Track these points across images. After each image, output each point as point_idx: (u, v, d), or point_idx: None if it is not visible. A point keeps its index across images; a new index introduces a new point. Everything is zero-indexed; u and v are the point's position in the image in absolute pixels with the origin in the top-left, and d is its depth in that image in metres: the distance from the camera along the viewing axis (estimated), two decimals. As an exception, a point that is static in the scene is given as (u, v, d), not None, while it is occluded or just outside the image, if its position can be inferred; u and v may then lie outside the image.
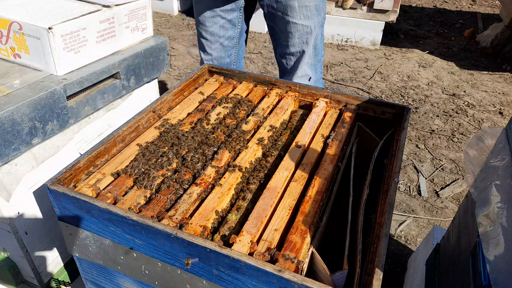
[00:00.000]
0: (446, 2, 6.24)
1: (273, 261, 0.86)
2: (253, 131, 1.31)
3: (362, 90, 3.67)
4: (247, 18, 2.08)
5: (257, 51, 4.36)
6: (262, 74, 1.57)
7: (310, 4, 1.81)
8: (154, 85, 1.69)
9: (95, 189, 1.02)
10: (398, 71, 4.03)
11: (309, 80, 2.01)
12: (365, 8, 4.29)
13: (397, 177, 1.05)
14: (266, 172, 1.16)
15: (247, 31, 2.16)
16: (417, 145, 2.93)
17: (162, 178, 1.08)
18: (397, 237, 2.18)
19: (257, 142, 1.24)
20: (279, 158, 1.21)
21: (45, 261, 1.35)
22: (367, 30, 4.45)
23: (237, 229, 0.97)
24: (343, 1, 2.27)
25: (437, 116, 3.29)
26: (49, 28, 1.18)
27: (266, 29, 4.76)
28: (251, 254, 0.87)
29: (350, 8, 4.34)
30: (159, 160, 1.14)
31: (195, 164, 1.14)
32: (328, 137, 1.28)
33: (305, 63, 1.96)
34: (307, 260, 0.88)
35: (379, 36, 4.47)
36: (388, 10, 4.26)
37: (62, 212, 1.01)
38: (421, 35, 4.96)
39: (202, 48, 2.09)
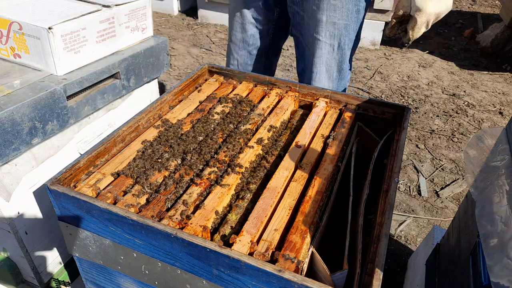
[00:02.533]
0: (446, 2, 6.23)
1: (273, 261, 0.86)
2: (253, 131, 1.31)
3: (362, 90, 3.67)
4: (282, 33, 1.97)
5: (257, 51, 4.35)
6: (262, 74, 1.57)
7: (339, 22, 1.61)
8: (154, 85, 1.69)
9: (95, 189, 1.02)
10: (398, 71, 4.03)
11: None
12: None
13: (397, 177, 1.05)
14: (266, 172, 1.16)
15: (279, 49, 2.05)
16: (417, 145, 2.93)
17: (162, 178, 1.08)
18: (397, 237, 2.18)
19: (257, 142, 1.24)
20: (279, 158, 1.21)
21: (45, 261, 1.35)
22: (367, 30, 4.45)
23: (237, 229, 0.97)
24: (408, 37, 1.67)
25: (437, 116, 3.30)
26: (49, 28, 1.18)
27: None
28: (251, 254, 0.87)
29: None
30: (159, 160, 1.14)
31: (195, 164, 1.14)
32: (328, 137, 1.29)
33: (326, 86, 1.78)
34: (307, 260, 0.88)
35: (379, 36, 4.47)
36: (388, 10, 4.26)
37: (62, 212, 1.01)
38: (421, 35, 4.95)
39: (230, 51, 2.00)
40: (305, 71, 1.83)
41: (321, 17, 1.62)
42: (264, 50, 1.98)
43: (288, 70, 3.98)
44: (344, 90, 1.87)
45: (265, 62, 2.04)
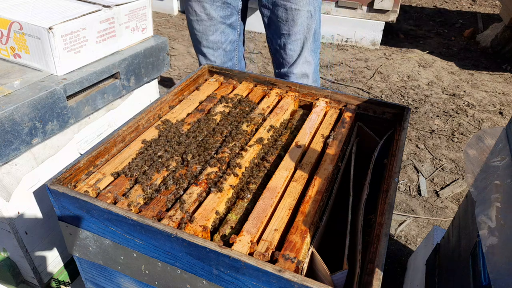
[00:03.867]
0: (446, 2, 6.24)
1: (273, 261, 0.86)
2: (253, 131, 1.31)
3: (362, 90, 3.67)
4: (243, 18, 2.08)
5: (257, 51, 4.36)
6: (262, 74, 1.57)
7: None
8: (154, 85, 1.69)
9: (95, 189, 1.02)
10: (398, 71, 4.03)
11: (311, 66, 2.00)
12: (365, 8, 4.28)
13: (397, 177, 1.05)
14: (266, 172, 1.16)
15: (244, 31, 2.16)
16: (417, 145, 2.93)
17: (162, 178, 1.08)
18: (397, 237, 2.18)
19: (257, 142, 1.24)
20: (279, 158, 1.21)
21: (45, 261, 1.35)
22: (367, 30, 4.45)
23: (237, 229, 0.97)
24: None
25: (437, 116, 3.30)
26: (49, 28, 1.18)
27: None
28: (251, 254, 0.87)
29: (350, 8, 4.34)
30: (159, 160, 1.14)
31: (195, 164, 1.14)
32: (328, 137, 1.29)
33: (307, 49, 1.95)
34: (307, 260, 0.88)
35: (379, 36, 4.47)
36: (388, 10, 4.26)
37: (62, 212, 1.01)
38: (421, 35, 4.96)
39: (204, 58, 2.08)
40: (284, 46, 1.97)
41: None
42: (235, 40, 2.09)
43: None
44: (319, 50, 2.05)
45: (238, 53, 2.16)
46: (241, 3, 1.96)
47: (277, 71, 2.10)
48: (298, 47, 1.94)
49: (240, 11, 1.99)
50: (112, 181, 1.06)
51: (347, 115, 1.39)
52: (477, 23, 5.33)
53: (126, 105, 1.56)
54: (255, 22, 4.31)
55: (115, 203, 0.99)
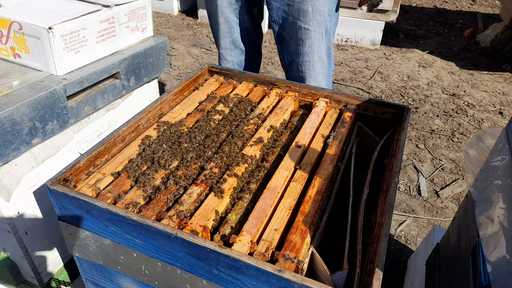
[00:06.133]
0: (446, 2, 6.24)
1: (273, 261, 0.86)
2: (253, 131, 1.31)
3: (362, 90, 3.67)
4: (260, 16, 2.08)
5: (257, 51, 4.35)
6: (262, 74, 1.57)
7: (324, 9, 1.69)
8: (154, 85, 1.69)
9: (95, 189, 1.02)
10: (398, 71, 4.03)
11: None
12: (365, 8, 4.28)
13: (397, 177, 1.05)
14: (266, 172, 1.16)
15: (261, 38, 2.15)
16: (417, 145, 2.93)
17: (162, 178, 1.08)
18: (397, 237, 2.18)
19: (257, 142, 1.24)
20: (279, 158, 1.21)
21: (45, 261, 1.35)
22: (367, 30, 4.45)
23: (237, 229, 0.97)
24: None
25: (437, 116, 3.29)
26: (49, 28, 1.18)
27: (266, 29, 4.76)
28: (251, 254, 0.87)
29: (350, 8, 4.34)
30: (159, 160, 1.14)
31: (195, 164, 1.14)
32: (328, 137, 1.28)
33: (320, 73, 1.85)
34: (307, 260, 0.88)
35: (379, 36, 4.47)
36: (388, 10, 4.26)
37: (62, 212, 1.01)
38: (421, 35, 4.96)
39: (222, 57, 2.09)
40: (292, 63, 1.89)
41: (306, 8, 1.69)
42: (252, 41, 2.08)
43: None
44: (332, 74, 1.98)
45: (256, 50, 2.16)
46: (257, 10, 1.95)
47: None
48: (307, 69, 1.86)
49: (257, 15, 1.99)
50: (112, 181, 1.06)
51: (347, 115, 1.39)
52: (477, 23, 5.33)
53: (126, 105, 1.56)
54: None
55: (115, 203, 0.99)
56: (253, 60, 2.16)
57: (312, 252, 0.90)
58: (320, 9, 1.69)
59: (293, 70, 1.91)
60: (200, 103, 1.44)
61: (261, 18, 2.08)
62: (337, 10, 1.80)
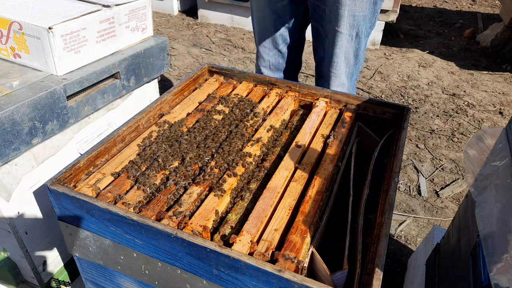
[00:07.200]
0: (446, 2, 6.24)
1: (273, 261, 0.86)
2: (253, 131, 1.31)
3: (362, 90, 3.67)
4: (305, 28, 2.06)
5: (257, 51, 4.35)
6: (262, 74, 1.57)
7: (359, 14, 1.71)
8: (154, 85, 1.69)
9: (95, 189, 1.02)
10: (398, 71, 4.03)
11: (344, 89, 1.95)
12: None
13: (397, 177, 1.05)
14: (266, 172, 1.16)
15: (303, 42, 2.13)
16: (417, 145, 2.93)
17: (162, 178, 1.08)
18: (397, 237, 2.18)
19: (257, 142, 1.24)
20: (279, 158, 1.21)
21: (45, 261, 1.35)
22: (367, 30, 4.45)
23: (237, 229, 0.97)
24: None
25: (437, 116, 3.29)
26: (49, 28, 1.18)
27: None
28: (251, 254, 0.87)
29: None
30: (159, 160, 1.14)
31: (195, 164, 1.14)
32: (328, 137, 1.28)
33: (343, 72, 1.88)
34: (307, 260, 0.88)
35: (379, 36, 4.47)
36: (388, 10, 4.26)
37: (62, 212, 1.01)
38: (421, 35, 4.96)
39: (260, 56, 2.07)
40: (323, 60, 1.92)
41: (343, 12, 1.71)
42: (293, 46, 2.06)
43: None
44: (358, 73, 1.98)
45: (295, 57, 2.13)
46: (303, 9, 1.93)
47: (318, 81, 2.08)
48: (334, 68, 1.88)
49: (302, 16, 1.97)
50: (112, 181, 1.06)
51: (347, 115, 1.39)
52: (477, 23, 5.33)
53: (126, 105, 1.56)
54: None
55: (115, 203, 0.99)
56: (290, 66, 2.11)
57: (312, 252, 0.90)
58: (354, 14, 1.71)
59: (324, 65, 1.93)
60: (200, 103, 1.44)
61: (306, 22, 2.03)
62: (375, 15, 1.80)
